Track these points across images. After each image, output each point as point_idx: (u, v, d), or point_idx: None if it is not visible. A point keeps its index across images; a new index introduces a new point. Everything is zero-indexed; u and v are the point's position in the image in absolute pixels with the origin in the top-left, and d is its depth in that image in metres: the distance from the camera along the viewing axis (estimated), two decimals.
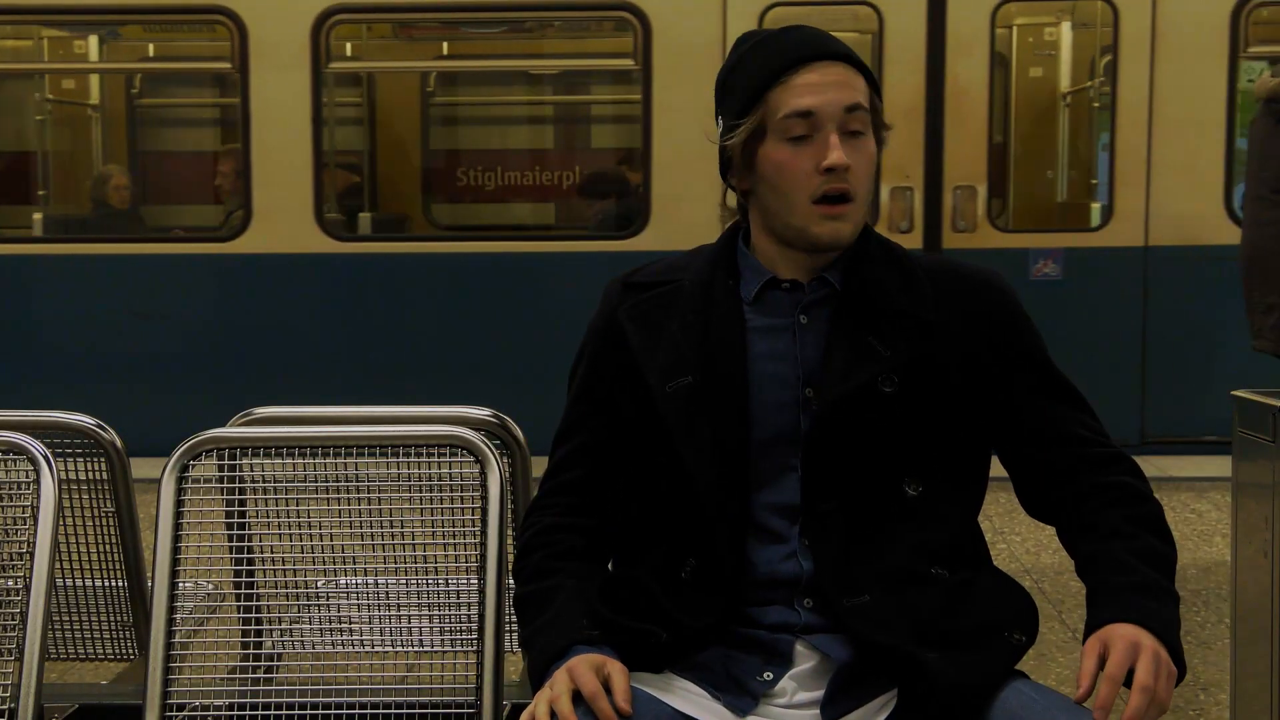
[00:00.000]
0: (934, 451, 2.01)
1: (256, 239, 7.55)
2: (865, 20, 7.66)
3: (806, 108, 1.98)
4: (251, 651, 2.51)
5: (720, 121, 2.12)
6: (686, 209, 7.37)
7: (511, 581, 2.16)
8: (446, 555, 2.46)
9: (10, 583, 2.34)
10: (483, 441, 2.44)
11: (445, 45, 9.20)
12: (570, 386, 2.15)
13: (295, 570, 2.52)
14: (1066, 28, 8.35)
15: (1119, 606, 1.92)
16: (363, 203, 8.60)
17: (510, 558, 2.79)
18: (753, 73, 2.04)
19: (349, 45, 8.36)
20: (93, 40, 8.80)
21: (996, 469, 2.13)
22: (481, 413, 2.81)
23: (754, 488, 2.00)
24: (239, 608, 2.72)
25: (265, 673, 2.52)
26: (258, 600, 2.63)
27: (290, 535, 2.49)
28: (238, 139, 7.67)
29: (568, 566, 2.05)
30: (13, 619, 2.32)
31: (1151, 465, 7.16)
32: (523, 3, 8.04)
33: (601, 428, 2.09)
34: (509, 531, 2.49)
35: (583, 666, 1.87)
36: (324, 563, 2.51)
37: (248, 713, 2.39)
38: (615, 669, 1.88)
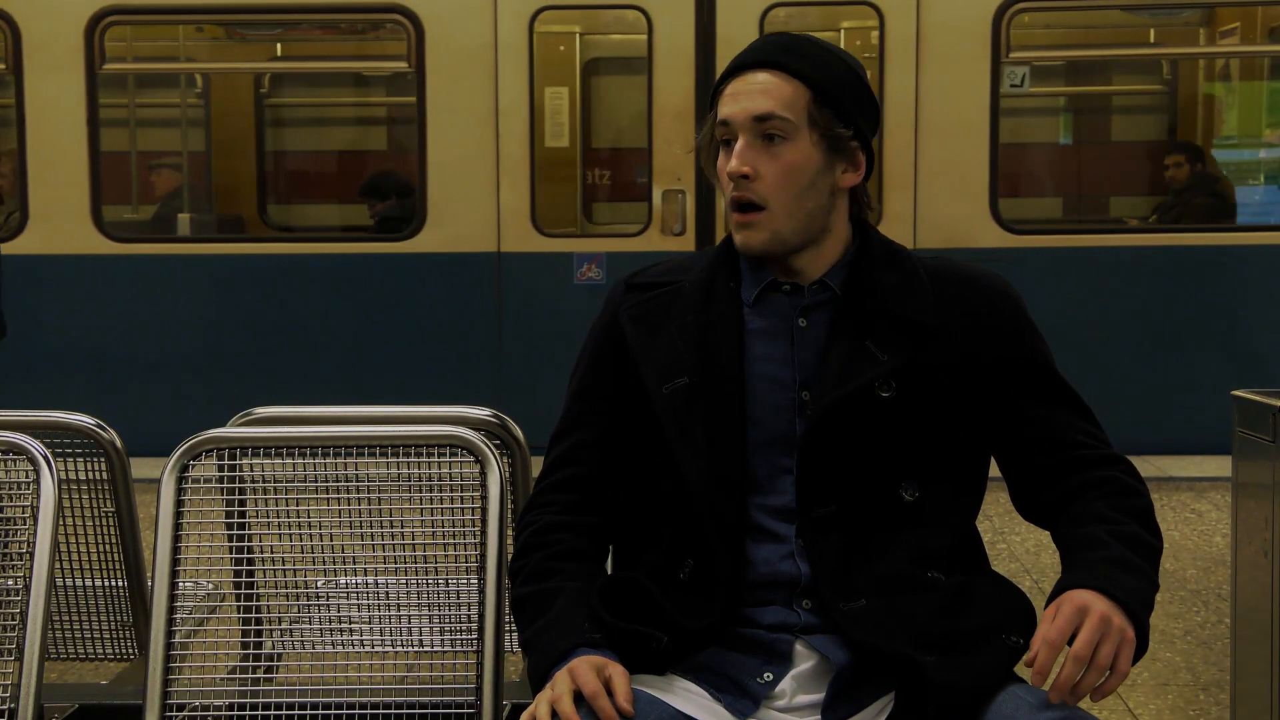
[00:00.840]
0: (931, 457, 2.01)
1: (32, 240, 7.55)
2: (635, 24, 7.71)
3: (724, 117, 2.04)
4: (251, 651, 2.51)
5: None
6: (462, 210, 7.48)
7: (508, 582, 2.16)
8: (446, 555, 2.46)
9: (10, 583, 2.34)
10: (483, 441, 2.44)
11: (263, 48, 9.31)
12: (570, 385, 2.15)
13: (295, 570, 2.52)
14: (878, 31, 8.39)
15: (1083, 573, 1.90)
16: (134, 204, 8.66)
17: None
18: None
19: (122, 46, 8.32)
20: None
21: (995, 470, 2.13)
22: (481, 413, 2.81)
23: (751, 489, 1.99)
24: (239, 608, 2.72)
25: (265, 673, 2.52)
26: (258, 600, 2.63)
27: (290, 535, 2.49)
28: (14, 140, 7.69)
29: (567, 568, 2.05)
30: (13, 619, 2.32)
31: (1151, 465, 7.15)
32: (297, 5, 8.09)
33: (602, 426, 2.09)
34: (509, 531, 2.49)
35: (584, 667, 1.87)
36: (324, 563, 2.51)
37: (248, 713, 2.39)
38: (616, 670, 1.88)
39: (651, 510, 2.05)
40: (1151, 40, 8.91)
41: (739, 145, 2.01)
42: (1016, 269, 7.34)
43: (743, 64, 2.05)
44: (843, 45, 8.43)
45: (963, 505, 2.07)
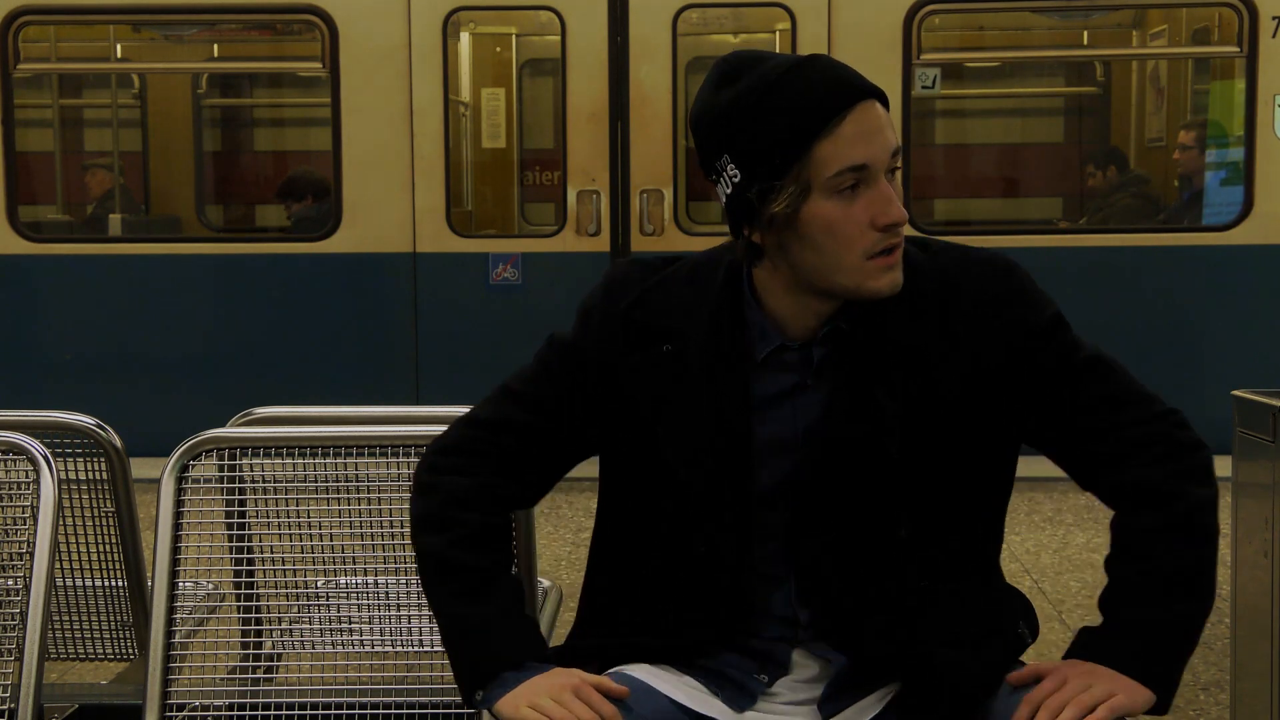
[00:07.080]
0: (931, 497, 1.95)
1: None
2: (548, 25, 7.71)
3: (861, 161, 1.80)
4: (251, 651, 2.52)
5: (728, 169, 1.86)
6: (377, 211, 7.51)
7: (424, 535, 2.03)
8: None
9: (10, 583, 2.34)
10: None
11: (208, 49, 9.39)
12: (509, 384, 2.04)
13: (295, 570, 2.52)
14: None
15: (1102, 645, 1.87)
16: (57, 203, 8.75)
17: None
18: (789, 122, 1.81)
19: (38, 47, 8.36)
20: None
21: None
22: None
23: (758, 537, 1.96)
24: (239, 608, 2.72)
25: (265, 673, 2.52)
26: (258, 600, 2.63)
27: (290, 535, 2.50)
28: None
29: (504, 554, 2.00)
30: (13, 619, 2.32)
31: None
32: (211, 5, 8.11)
33: (532, 434, 2.01)
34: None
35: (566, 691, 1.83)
36: (324, 563, 2.52)
37: (248, 713, 2.39)
38: (590, 681, 1.85)
39: (651, 548, 2.00)
40: (1062, 43, 8.95)
41: (886, 189, 1.82)
42: None
43: (851, 98, 1.81)
44: (753, 48, 8.51)
45: (962, 531, 2.01)
